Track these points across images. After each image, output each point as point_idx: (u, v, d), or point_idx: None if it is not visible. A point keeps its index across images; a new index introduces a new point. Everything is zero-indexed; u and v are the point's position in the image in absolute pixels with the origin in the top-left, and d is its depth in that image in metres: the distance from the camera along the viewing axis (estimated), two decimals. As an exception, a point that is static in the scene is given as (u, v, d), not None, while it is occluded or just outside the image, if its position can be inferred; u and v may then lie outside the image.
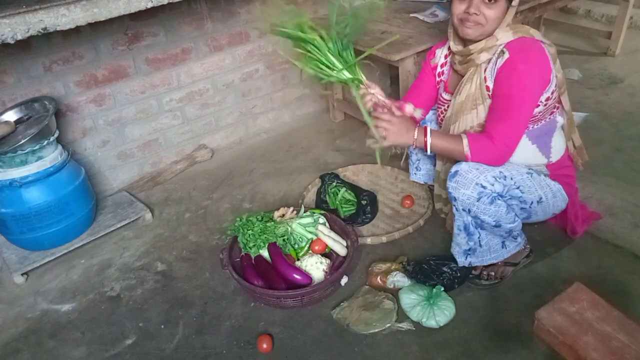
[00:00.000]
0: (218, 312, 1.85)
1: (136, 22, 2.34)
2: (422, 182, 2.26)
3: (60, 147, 2.15)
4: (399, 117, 1.63)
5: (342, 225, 2.04)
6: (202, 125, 2.83)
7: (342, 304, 1.80)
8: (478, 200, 1.58)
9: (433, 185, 2.35)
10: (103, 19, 1.79)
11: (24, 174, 2.00)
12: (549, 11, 3.43)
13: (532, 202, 1.67)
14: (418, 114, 1.65)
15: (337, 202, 2.27)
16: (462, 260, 1.78)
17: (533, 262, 1.89)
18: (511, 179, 1.60)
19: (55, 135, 2.09)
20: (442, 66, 1.88)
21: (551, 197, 1.71)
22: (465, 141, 1.58)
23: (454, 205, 1.66)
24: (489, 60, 1.63)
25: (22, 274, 2.07)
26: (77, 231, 2.21)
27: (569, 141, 1.81)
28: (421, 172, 2.22)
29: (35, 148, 1.99)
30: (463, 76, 1.75)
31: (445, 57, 1.85)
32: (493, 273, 1.82)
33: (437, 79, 1.90)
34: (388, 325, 1.70)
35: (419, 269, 1.86)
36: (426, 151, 1.64)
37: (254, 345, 1.69)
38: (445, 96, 1.85)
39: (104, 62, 2.36)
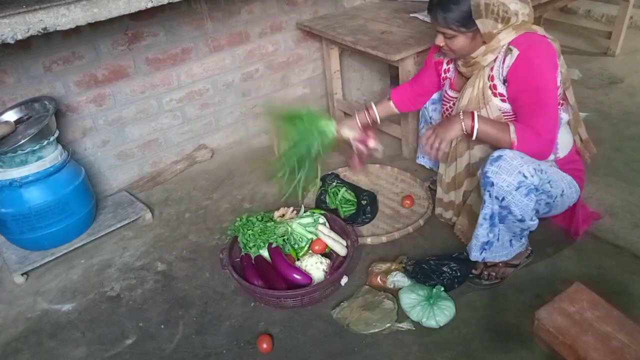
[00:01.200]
0: (218, 312, 1.85)
1: (136, 22, 2.34)
2: (428, 167, 2.26)
3: (60, 147, 2.15)
4: (436, 125, 1.70)
5: (342, 225, 2.04)
6: (202, 125, 2.83)
7: (342, 304, 1.80)
8: (517, 189, 1.56)
9: (433, 185, 2.36)
10: (103, 19, 1.79)
11: (24, 173, 2.00)
12: (549, 11, 3.44)
13: (556, 196, 1.69)
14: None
15: (337, 202, 2.27)
16: (476, 255, 1.75)
17: (533, 262, 1.89)
18: (545, 172, 1.61)
19: (55, 135, 2.09)
20: (447, 63, 1.90)
21: (568, 189, 1.73)
22: (512, 128, 1.58)
23: (488, 192, 1.61)
24: (495, 59, 1.64)
25: (22, 274, 2.07)
26: (77, 231, 2.21)
27: (575, 135, 1.81)
28: (428, 157, 2.21)
29: (35, 148, 1.99)
30: (464, 75, 1.76)
31: None
32: (494, 273, 1.82)
33: (443, 74, 1.91)
34: (388, 325, 1.70)
35: (419, 269, 1.86)
36: (471, 137, 1.64)
37: (254, 345, 1.69)
38: (451, 93, 1.85)
39: (104, 62, 2.36)
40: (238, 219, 2.02)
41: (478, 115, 1.62)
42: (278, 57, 2.93)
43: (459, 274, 1.81)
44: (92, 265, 2.14)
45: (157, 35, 2.45)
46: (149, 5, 1.87)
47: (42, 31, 1.68)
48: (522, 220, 1.63)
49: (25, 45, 2.10)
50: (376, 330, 1.69)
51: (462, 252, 1.84)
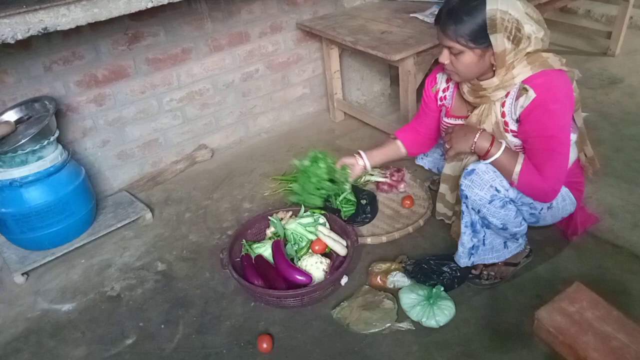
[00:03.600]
0: (218, 312, 1.85)
1: (136, 22, 2.34)
2: (427, 168, 2.25)
3: (60, 147, 2.15)
4: (461, 124, 1.66)
5: (342, 225, 2.04)
6: (202, 125, 2.83)
7: (342, 303, 1.80)
8: (490, 202, 1.58)
9: (433, 185, 2.36)
10: (103, 19, 1.79)
11: (24, 173, 2.00)
12: (549, 11, 3.44)
13: (542, 208, 1.66)
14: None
15: (338, 202, 2.26)
16: (465, 262, 1.77)
17: (533, 262, 1.89)
18: None
19: (56, 135, 2.09)
20: (444, 90, 1.83)
21: (560, 202, 1.70)
22: (517, 169, 1.53)
23: (464, 203, 1.65)
24: (507, 94, 1.57)
25: (22, 274, 2.07)
26: (77, 231, 2.21)
27: (580, 152, 1.78)
28: (428, 157, 2.19)
29: (35, 148, 1.99)
30: (470, 103, 1.70)
31: (447, 81, 1.80)
32: (493, 273, 1.82)
33: (440, 102, 1.85)
34: (388, 325, 1.70)
35: (419, 268, 1.86)
36: (483, 159, 1.58)
37: (254, 345, 1.69)
38: (449, 121, 1.81)
39: (104, 62, 2.36)
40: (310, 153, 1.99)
41: (497, 143, 1.56)
42: (278, 57, 2.93)
43: (459, 274, 1.81)
44: (92, 265, 2.14)
45: (157, 35, 2.45)
46: (149, 5, 1.87)
47: (43, 31, 1.68)
48: (504, 229, 1.64)
49: (26, 45, 2.10)
50: (376, 330, 1.69)
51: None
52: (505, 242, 1.74)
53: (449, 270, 1.82)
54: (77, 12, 1.72)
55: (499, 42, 1.46)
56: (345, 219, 2.16)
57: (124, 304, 1.93)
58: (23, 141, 1.95)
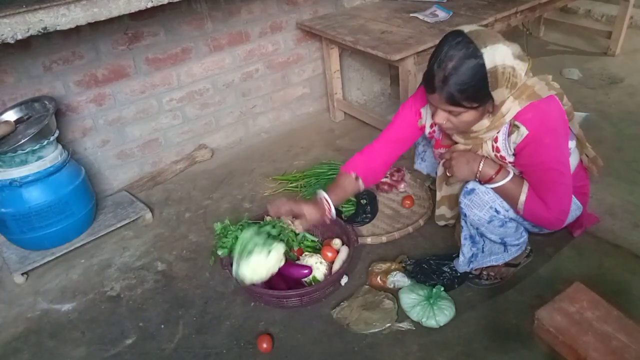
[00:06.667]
0: (218, 312, 1.85)
1: (136, 21, 2.34)
2: (424, 173, 2.24)
3: (60, 146, 2.15)
4: (462, 150, 1.58)
5: (342, 225, 2.04)
6: (202, 125, 2.83)
7: (342, 303, 1.80)
8: (488, 222, 1.58)
9: (433, 186, 2.35)
10: (103, 19, 1.79)
11: (24, 173, 2.00)
12: (549, 11, 3.44)
13: None
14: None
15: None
16: (465, 268, 1.78)
17: (533, 262, 1.89)
18: None
19: (55, 135, 2.09)
20: (431, 126, 1.74)
21: None
22: (522, 198, 1.50)
23: (463, 219, 1.65)
24: (498, 131, 1.51)
25: (22, 274, 2.07)
26: (77, 231, 2.21)
27: (582, 155, 1.76)
28: (425, 162, 2.16)
29: (35, 148, 1.99)
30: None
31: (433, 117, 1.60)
32: (493, 273, 1.82)
33: (430, 129, 1.76)
34: (388, 325, 1.70)
35: (419, 268, 1.86)
36: (484, 184, 1.55)
37: (254, 345, 1.69)
38: (441, 151, 1.74)
39: (104, 62, 2.36)
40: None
41: (503, 172, 1.52)
42: (278, 57, 2.93)
43: (459, 274, 1.81)
44: (92, 265, 2.14)
45: (157, 35, 2.45)
46: (149, 5, 1.88)
47: (42, 31, 1.68)
48: (503, 243, 1.65)
49: (25, 45, 2.10)
50: (376, 330, 1.69)
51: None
52: (505, 247, 1.74)
53: (449, 270, 1.82)
54: (77, 11, 1.72)
55: (500, 94, 1.41)
56: (345, 219, 2.16)
57: (123, 304, 1.93)
58: (23, 141, 1.95)
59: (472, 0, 2.84)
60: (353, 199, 2.27)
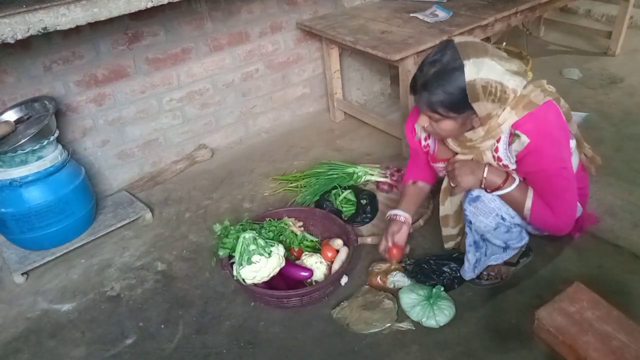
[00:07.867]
0: (218, 312, 1.85)
1: (136, 21, 2.34)
2: None
3: (60, 146, 2.15)
4: (462, 160, 1.57)
5: (342, 225, 2.04)
6: (202, 125, 2.83)
7: (342, 303, 1.80)
8: (495, 229, 1.58)
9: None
10: (103, 19, 1.79)
11: (24, 173, 2.00)
12: (549, 11, 3.44)
13: None
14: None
15: (339, 202, 2.26)
16: (470, 275, 1.78)
17: (533, 262, 1.89)
18: None
19: (55, 135, 2.09)
20: (425, 139, 1.77)
21: None
22: (528, 203, 1.51)
23: (468, 226, 1.65)
24: (498, 139, 1.51)
25: (22, 274, 2.07)
26: (77, 231, 2.21)
27: (581, 154, 1.76)
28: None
29: (35, 148, 1.99)
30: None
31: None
32: (493, 273, 1.82)
33: (425, 143, 1.79)
34: (388, 325, 1.70)
35: (419, 268, 1.86)
36: (490, 192, 1.54)
37: (254, 345, 1.69)
38: (440, 165, 1.75)
39: (104, 62, 2.36)
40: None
41: (510, 179, 1.51)
42: (278, 57, 2.93)
43: (459, 274, 1.81)
44: (92, 265, 2.14)
45: (157, 35, 2.45)
46: (149, 5, 1.88)
47: (42, 31, 1.68)
48: (506, 247, 1.65)
49: (25, 45, 2.10)
50: (376, 330, 1.69)
51: (462, 253, 1.84)
52: (504, 248, 1.74)
53: (449, 270, 1.82)
54: (77, 11, 1.72)
55: (483, 108, 1.41)
56: (345, 219, 2.16)
57: (123, 304, 1.93)
58: (23, 141, 1.95)
59: (472, 0, 2.83)
60: (353, 198, 2.27)
